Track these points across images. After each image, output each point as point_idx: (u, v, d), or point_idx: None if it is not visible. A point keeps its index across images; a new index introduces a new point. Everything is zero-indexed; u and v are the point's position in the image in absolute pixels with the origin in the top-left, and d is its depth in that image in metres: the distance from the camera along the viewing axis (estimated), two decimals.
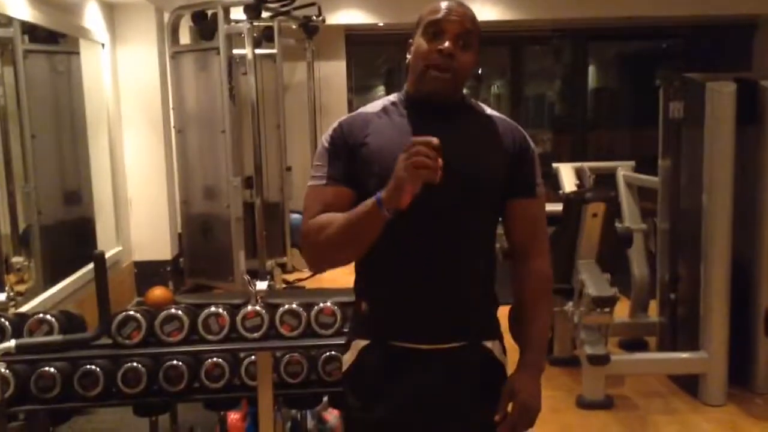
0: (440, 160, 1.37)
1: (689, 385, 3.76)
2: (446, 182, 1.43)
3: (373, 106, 1.67)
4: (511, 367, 1.67)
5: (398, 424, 1.61)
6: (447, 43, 1.54)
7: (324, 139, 1.64)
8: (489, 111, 1.69)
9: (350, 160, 1.59)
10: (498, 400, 1.60)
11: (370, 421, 1.63)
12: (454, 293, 1.58)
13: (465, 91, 1.70)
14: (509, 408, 1.59)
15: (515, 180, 1.63)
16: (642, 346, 4.43)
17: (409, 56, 1.62)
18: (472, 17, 1.59)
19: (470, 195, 1.57)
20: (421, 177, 1.38)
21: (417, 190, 1.39)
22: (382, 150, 1.56)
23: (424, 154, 1.36)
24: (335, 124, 1.65)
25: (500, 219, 1.69)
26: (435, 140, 1.37)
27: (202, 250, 5.60)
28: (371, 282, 1.64)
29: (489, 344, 1.65)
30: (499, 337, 1.68)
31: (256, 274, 5.00)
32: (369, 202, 1.45)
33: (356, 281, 1.68)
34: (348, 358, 1.68)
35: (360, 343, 1.65)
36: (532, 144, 1.68)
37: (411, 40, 1.62)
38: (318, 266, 1.66)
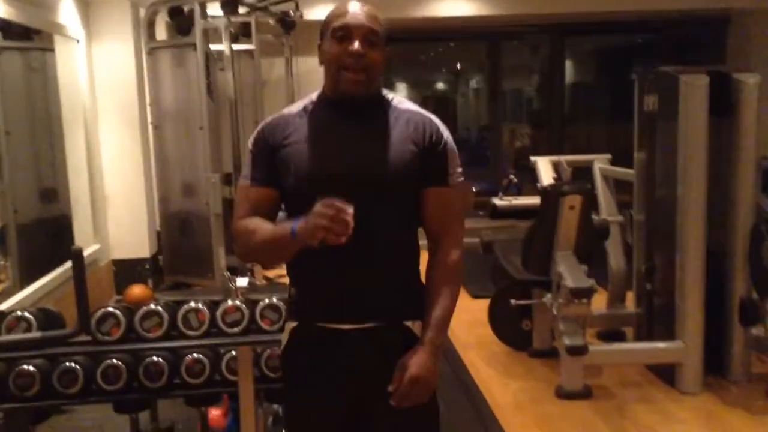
0: (350, 224, 1.50)
1: (666, 374, 3.81)
2: (359, 174, 1.65)
3: (295, 106, 1.79)
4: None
5: (325, 401, 1.75)
6: (356, 45, 1.64)
7: (249, 142, 1.78)
8: (405, 105, 1.77)
9: (272, 160, 1.72)
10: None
11: (301, 398, 1.78)
12: (371, 278, 1.70)
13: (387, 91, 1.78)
14: (402, 380, 1.68)
15: (427, 170, 1.71)
16: (619, 337, 4.48)
17: (319, 59, 1.73)
18: (376, 16, 1.69)
19: (381, 185, 1.68)
20: (325, 238, 1.52)
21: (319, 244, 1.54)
22: (299, 149, 1.70)
23: (334, 219, 1.49)
24: (259, 127, 1.78)
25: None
26: (349, 210, 1.50)
27: (181, 248, 5.56)
28: (298, 269, 1.76)
29: (409, 323, 1.75)
30: (422, 317, 1.75)
31: (236, 271, 4.99)
32: (286, 230, 1.61)
33: (287, 268, 1.80)
34: (282, 340, 1.82)
35: (290, 325, 1.80)
36: (446, 136, 1.75)
37: (320, 43, 1.72)
38: (247, 261, 1.84)
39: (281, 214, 1.79)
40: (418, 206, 1.75)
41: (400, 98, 1.80)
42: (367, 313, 1.71)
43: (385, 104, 1.76)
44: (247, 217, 1.73)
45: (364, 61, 1.65)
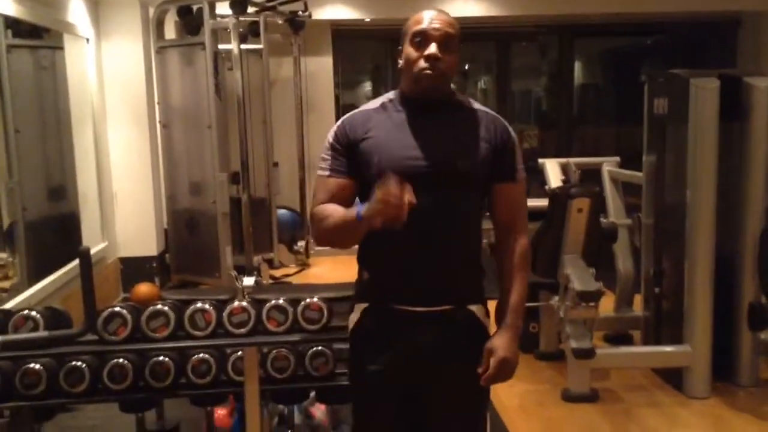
0: (404, 209, 1.60)
1: (674, 378, 3.79)
2: (438, 168, 1.77)
3: (374, 103, 1.91)
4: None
5: (394, 376, 1.85)
6: (433, 50, 1.77)
7: (330, 135, 1.88)
8: (475, 105, 1.91)
9: (352, 154, 1.84)
10: (481, 355, 1.84)
11: (369, 372, 1.87)
12: (443, 264, 1.82)
13: (453, 87, 1.91)
14: (490, 363, 1.82)
15: (498, 167, 1.85)
16: (627, 340, 4.46)
17: (400, 62, 1.85)
18: (452, 22, 1.83)
19: (458, 179, 1.80)
20: (384, 220, 1.63)
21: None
22: (382, 142, 1.82)
23: (389, 205, 1.60)
24: (339, 122, 1.90)
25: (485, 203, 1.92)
26: (405, 196, 1.59)
27: (188, 246, 5.58)
28: (371, 253, 1.88)
29: (473, 308, 1.87)
30: (483, 302, 1.91)
31: (242, 270, 5.01)
32: (353, 213, 1.72)
33: (359, 251, 1.92)
34: (353, 318, 1.92)
35: (362, 306, 1.90)
36: (513, 134, 1.90)
37: (400, 47, 1.85)
38: (322, 245, 1.92)
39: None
40: (488, 199, 1.89)
41: (472, 99, 1.93)
42: (438, 297, 1.83)
43: (458, 103, 1.89)
44: (323, 203, 1.83)
45: (439, 64, 1.77)
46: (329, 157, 1.86)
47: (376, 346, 1.87)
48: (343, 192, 1.84)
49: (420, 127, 1.82)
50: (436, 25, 1.79)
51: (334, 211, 1.80)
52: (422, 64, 1.78)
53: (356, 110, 1.91)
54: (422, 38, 1.79)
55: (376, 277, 1.88)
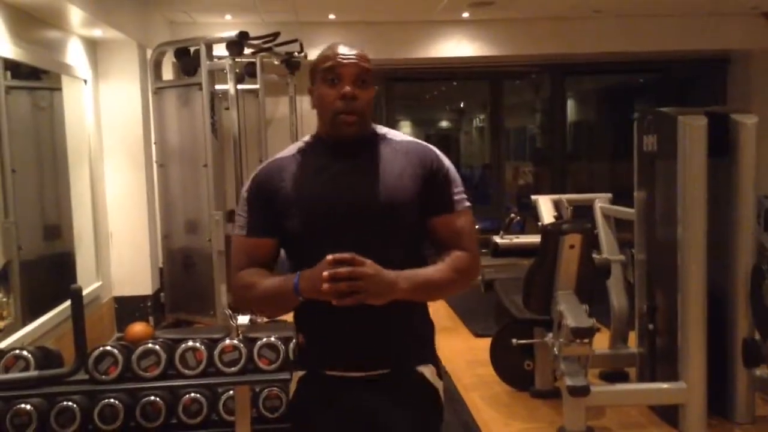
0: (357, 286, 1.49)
1: (669, 415, 3.77)
2: (359, 215, 1.63)
3: (288, 150, 1.78)
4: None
5: None
6: (347, 88, 1.64)
7: (243, 191, 1.75)
8: (400, 137, 1.76)
9: (269, 207, 1.70)
10: (432, 423, 1.71)
11: None
12: (380, 323, 1.64)
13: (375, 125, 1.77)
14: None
15: (431, 199, 1.69)
16: (622, 377, 4.44)
17: (312, 102, 1.72)
18: (363, 56, 1.68)
19: (386, 223, 1.65)
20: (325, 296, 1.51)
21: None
22: (296, 192, 1.68)
23: (342, 278, 1.49)
24: (253, 174, 1.77)
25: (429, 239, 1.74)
26: (359, 269, 1.49)
27: (183, 285, 5.57)
28: (305, 315, 1.73)
29: (421, 369, 1.71)
30: (433, 361, 1.75)
31: (237, 309, 4.99)
32: (288, 286, 1.59)
33: (294, 315, 1.76)
34: (291, 389, 1.78)
35: (298, 374, 1.76)
36: (446, 162, 1.73)
37: (311, 87, 1.72)
38: (246, 311, 1.80)
39: (282, 254, 1.78)
40: (427, 237, 1.72)
41: (393, 131, 1.78)
42: (380, 360, 1.67)
43: (380, 139, 1.74)
44: (244, 269, 1.71)
45: (357, 103, 1.65)
46: (245, 215, 1.73)
47: (315, 419, 1.71)
48: (262, 252, 1.72)
49: (339, 171, 1.68)
50: (349, 61, 1.64)
51: (260, 279, 1.67)
52: (338, 105, 1.64)
53: (270, 159, 1.79)
54: (334, 75, 1.65)
55: (311, 341, 1.72)
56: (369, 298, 1.53)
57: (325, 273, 1.50)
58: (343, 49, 1.66)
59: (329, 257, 1.52)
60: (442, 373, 1.77)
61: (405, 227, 1.68)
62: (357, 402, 1.67)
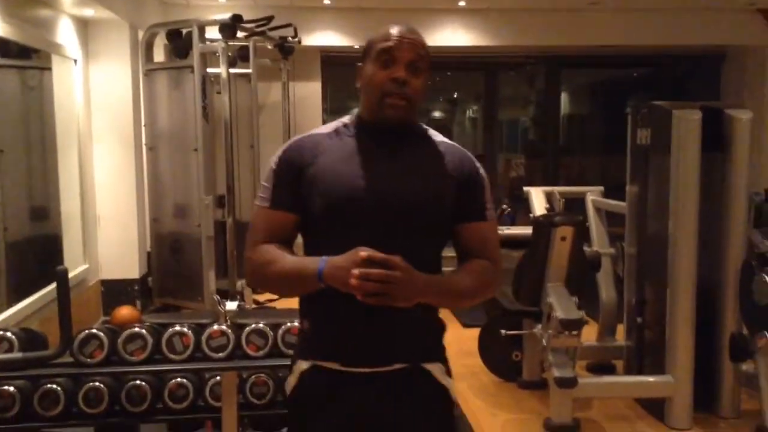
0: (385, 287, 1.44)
1: (655, 408, 3.78)
2: (389, 207, 1.55)
3: (326, 128, 1.70)
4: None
5: None
6: (402, 72, 1.57)
7: (272, 160, 1.67)
8: (439, 138, 1.71)
9: (296, 182, 1.61)
10: (441, 423, 1.65)
11: None
12: (392, 317, 1.55)
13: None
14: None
15: (464, 205, 1.65)
16: (609, 370, 4.45)
17: (359, 81, 1.64)
18: (422, 42, 1.62)
19: (411, 220, 1.58)
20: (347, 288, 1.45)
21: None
22: (328, 171, 1.59)
23: (371, 278, 1.43)
24: (285, 145, 1.68)
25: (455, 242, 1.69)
26: (390, 272, 1.44)
27: (171, 269, 5.53)
28: (312, 301, 1.63)
29: (429, 366, 1.65)
30: (441, 359, 1.69)
31: (226, 294, 4.96)
32: (312, 267, 1.51)
33: (300, 300, 1.69)
34: (291, 382, 1.69)
35: (301, 366, 1.66)
36: (482, 171, 1.70)
37: (360, 64, 1.64)
38: (257, 290, 1.70)
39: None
40: (455, 241, 1.68)
41: (434, 131, 1.72)
42: (388, 355, 1.61)
43: (422, 134, 1.68)
44: (264, 244, 1.61)
45: (407, 89, 1.57)
46: (271, 186, 1.63)
47: (316, 416, 1.63)
48: (284, 227, 1.62)
49: (375, 158, 1.60)
50: (406, 45, 1.57)
51: (281, 257, 1.58)
52: (388, 86, 1.57)
53: (306, 133, 1.69)
54: (389, 57, 1.57)
55: (317, 329, 1.64)
56: (395, 302, 1.48)
57: (356, 271, 1.43)
58: (402, 31, 1.59)
59: (362, 254, 1.45)
60: (451, 371, 1.71)
61: (433, 228, 1.62)
62: (362, 400, 1.60)
